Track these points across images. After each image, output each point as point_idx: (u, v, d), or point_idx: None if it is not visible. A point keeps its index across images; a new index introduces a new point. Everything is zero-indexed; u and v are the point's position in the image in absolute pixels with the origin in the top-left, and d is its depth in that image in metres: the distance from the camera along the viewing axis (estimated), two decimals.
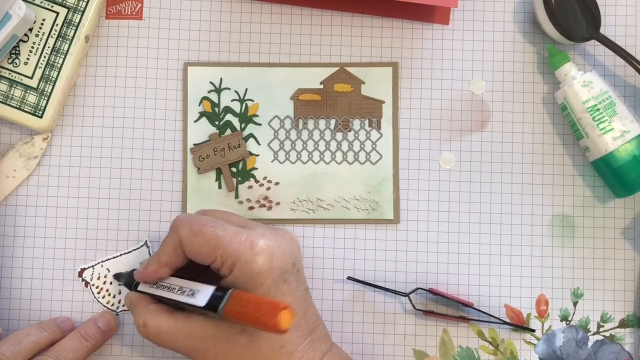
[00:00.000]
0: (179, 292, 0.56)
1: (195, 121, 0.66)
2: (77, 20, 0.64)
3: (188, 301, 0.54)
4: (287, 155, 0.66)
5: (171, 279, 0.58)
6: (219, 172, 0.66)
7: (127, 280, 0.61)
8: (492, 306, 0.65)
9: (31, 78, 0.64)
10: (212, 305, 0.53)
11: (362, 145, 0.66)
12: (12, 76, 0.64)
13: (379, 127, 0.66)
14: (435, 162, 0.66)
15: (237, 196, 0.66)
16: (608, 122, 0.62)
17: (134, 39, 0.67)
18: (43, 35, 0.64)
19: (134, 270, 0.61)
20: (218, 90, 0.66)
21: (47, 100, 0.64)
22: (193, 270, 0.59)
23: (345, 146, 0.66)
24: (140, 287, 0.59)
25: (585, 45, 0.67)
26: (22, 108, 0.64)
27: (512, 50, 0.67)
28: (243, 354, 0.55)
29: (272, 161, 0.66)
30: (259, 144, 0.66)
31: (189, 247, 0.56)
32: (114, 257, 0.65)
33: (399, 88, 0.67)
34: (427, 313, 0.64)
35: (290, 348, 0.55)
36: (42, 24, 0.64)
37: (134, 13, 0.67)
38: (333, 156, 0.66)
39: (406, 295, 0.64)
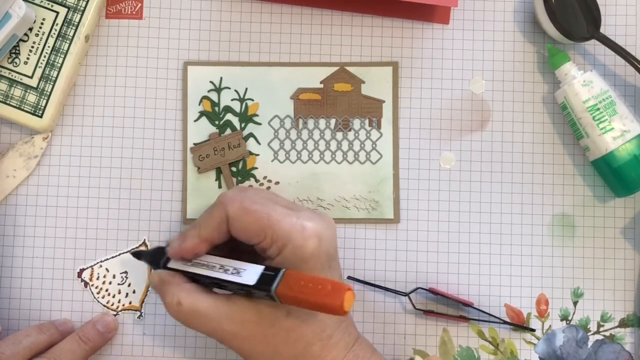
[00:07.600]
0: (220, 270, 0.52)
1: (195, 121, 0.66)
2: (77, 20, 0.64)
3: (234, 279, 0.51)
4: (287, 155, 0.66)
5: (207, 257, 0.55)
6: (219, 171, 0.66)
7: (152, 257, 0.57)
8: (492, 306, 0.65)
9: (31, 77, 0.64)
10: (263, 284, 0.50)
11: (362, 145, 0.66)
12: (12, 76, 0.64)
13: (379, 127, 0.66)
14: (435, 162, 0.66)
15: None
16: (608, 122, 0.62)
17: (134, 39, 0.67)
18: (43, 34, 0.64)
19: (158, 247, 0.59)
20: (218, 90, 0.66)
21: (47, 100, 0.64)
22: (224, 250, 0.56)
23: (345, 146, 0.66)
24: (172, 264, 0.55)
25: (585, 45, 0.67)
26: (22, 108, 0.64)
27: (512, 50, 0.67)
28: (287, 338, 0.53)
29: (272, 161, 0.66)
30: (259, 144, 0.66)
31: (237, 224, 0.54)
32: (112, 257, 0.65)
33: (399, 88, 0.66)
34: (427, 313, 0.64)
35: (330, 332, 0.55)
36: (42, 23, 0.64)
37: (134, 13, 0.67)
38: (333, 156, 0.66)
39: (406, 295, 0.64)
